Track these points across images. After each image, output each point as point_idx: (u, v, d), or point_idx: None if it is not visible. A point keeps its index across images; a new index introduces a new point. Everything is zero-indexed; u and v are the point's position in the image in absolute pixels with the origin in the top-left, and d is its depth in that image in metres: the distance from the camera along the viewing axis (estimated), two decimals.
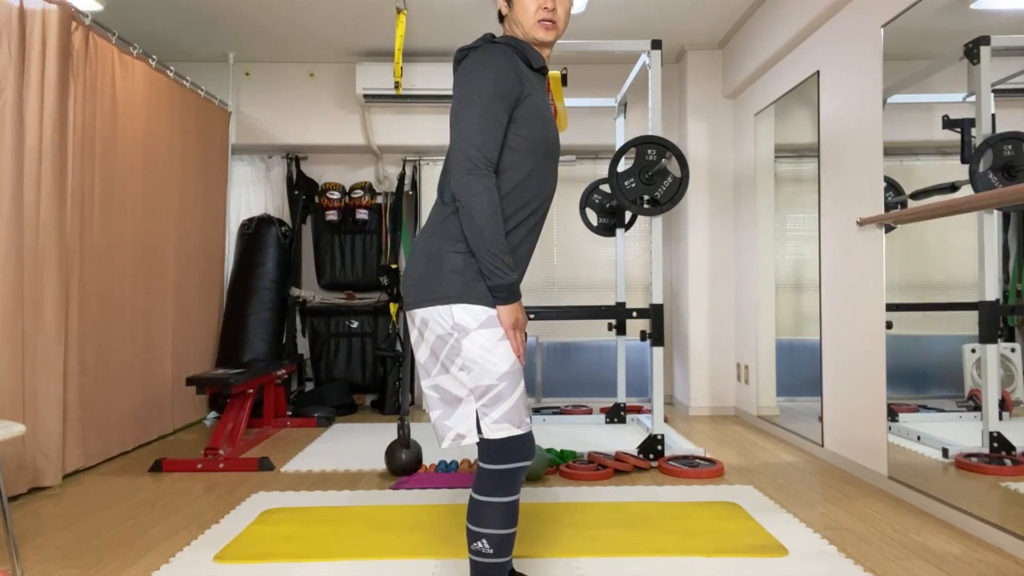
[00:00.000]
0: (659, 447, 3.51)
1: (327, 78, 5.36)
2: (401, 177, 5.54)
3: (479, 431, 1.62)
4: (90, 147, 3.55)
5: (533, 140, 1.68)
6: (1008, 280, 2.40)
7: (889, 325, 3.05)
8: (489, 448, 1.63)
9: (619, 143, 4.66)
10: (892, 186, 3.04)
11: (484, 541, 1.61)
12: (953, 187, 2.63)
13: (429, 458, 3.69)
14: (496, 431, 1.61)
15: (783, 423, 4.21)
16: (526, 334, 1.71)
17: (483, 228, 1.58)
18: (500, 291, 1.61)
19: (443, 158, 5.57)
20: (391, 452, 3.35)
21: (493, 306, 1.64)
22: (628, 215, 4.56)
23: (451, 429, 1.65)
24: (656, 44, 3.66)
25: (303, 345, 5.44)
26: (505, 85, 1.62)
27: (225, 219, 5.14)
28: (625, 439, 4.10)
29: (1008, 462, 2.40)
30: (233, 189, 5.50)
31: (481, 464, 1.65)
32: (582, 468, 3.31)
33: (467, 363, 1.62)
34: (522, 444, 1.64)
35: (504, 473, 1.62)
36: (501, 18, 1.81)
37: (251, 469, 3.51)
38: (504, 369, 1.62)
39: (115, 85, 3.75)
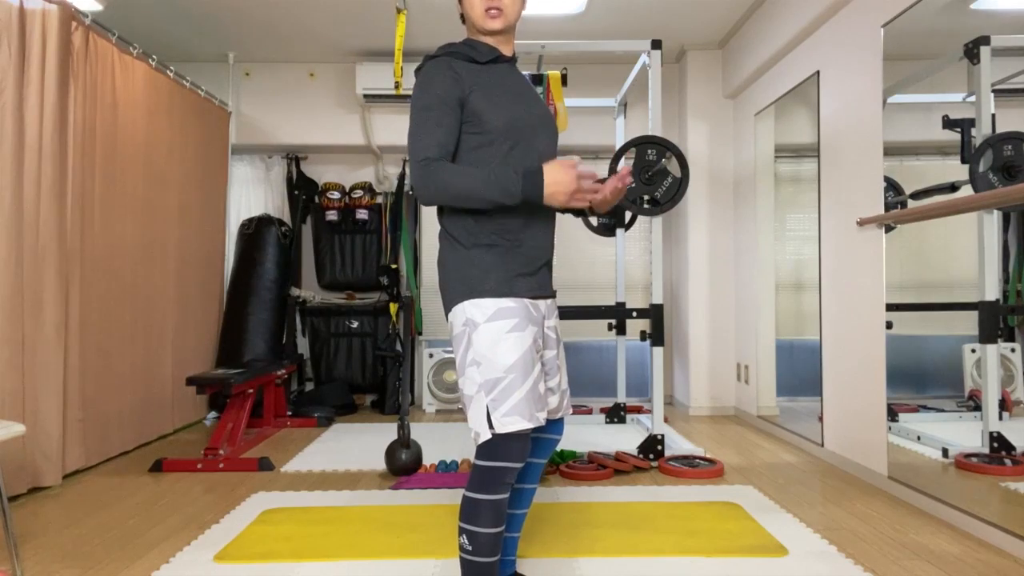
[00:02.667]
0: (659, 447, 3.51)
1: (327, 78, 5.36)
2: (401, 177, 5.54)
3: (490, 426, 1.63)
4: (90, 147, 3.55)
5: (490, 132, 1.69)
6: (1008, 280, 2.40)
7: (889, 325, 3.05)
8: (485, 444, 1.65)
9: (619, 143, 4.66)
10: (892, 186, 3.04)
11: (465, 538, 1.64)
12: (953, 187, 2.63)
13: (429, 458, 3.69)
14: (506, 424, 1.62)
15: (783, 423, 4.21)
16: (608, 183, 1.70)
17: (462, 188, 1.61)
18: (528, 191, 1.62)
19: None
20: (391, 452, 3.35)
21: (499, 297, 1.66)
22: (628, 215, 4.56)
23: (473, 428, 1.68)
24: (656, 44, 3.66)
25: (303, 345, 5.43)
26: (438, 95, 1.66)
27: (225, 219, 5.14)
28: (625, 439, 4.10)
29: (1008, 462, 2.40)
30: (233, 189, 5.49)
31: (474, 460, 1.68)
32: (582, 468, 3.31)
33: (477, 357, 1.65)
34: (517, 445, 1.65)
35: (492, 471, 1.64)
36: (463, 19, 1.84)
37: (251, 469, 3.51)
38: (510, 361, 1.63)
39: (115, 85, 3.75)
